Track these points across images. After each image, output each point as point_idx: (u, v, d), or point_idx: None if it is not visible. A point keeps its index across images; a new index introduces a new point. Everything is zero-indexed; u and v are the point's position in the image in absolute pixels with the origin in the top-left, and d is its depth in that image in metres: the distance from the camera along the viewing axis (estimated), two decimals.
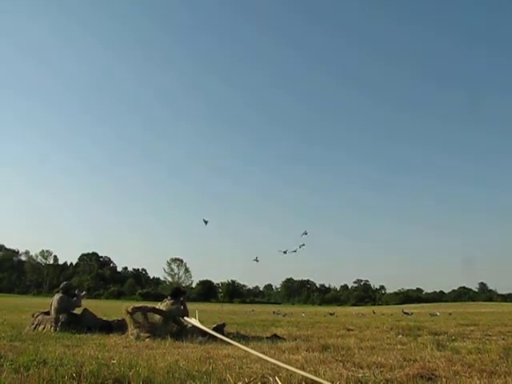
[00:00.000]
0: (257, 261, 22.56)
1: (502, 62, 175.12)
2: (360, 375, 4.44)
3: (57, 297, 9.26)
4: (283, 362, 4.53)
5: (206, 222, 18.80)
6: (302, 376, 4.13)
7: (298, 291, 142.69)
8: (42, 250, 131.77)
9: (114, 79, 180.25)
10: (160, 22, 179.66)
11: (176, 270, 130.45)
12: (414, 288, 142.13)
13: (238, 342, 7.85)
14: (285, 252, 16.53)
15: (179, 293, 9.24)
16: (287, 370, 4.27)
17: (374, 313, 33.17)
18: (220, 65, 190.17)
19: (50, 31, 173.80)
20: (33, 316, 9.49)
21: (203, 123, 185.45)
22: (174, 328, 8.26)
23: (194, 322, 7.92)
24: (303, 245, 17.07)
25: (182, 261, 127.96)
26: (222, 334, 8.57)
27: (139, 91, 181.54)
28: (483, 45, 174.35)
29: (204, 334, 8.31)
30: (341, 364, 5.25)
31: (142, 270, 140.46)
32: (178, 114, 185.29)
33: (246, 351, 5.49)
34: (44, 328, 8.73)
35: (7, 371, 4.06)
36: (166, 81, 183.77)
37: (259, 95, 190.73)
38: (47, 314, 9.22)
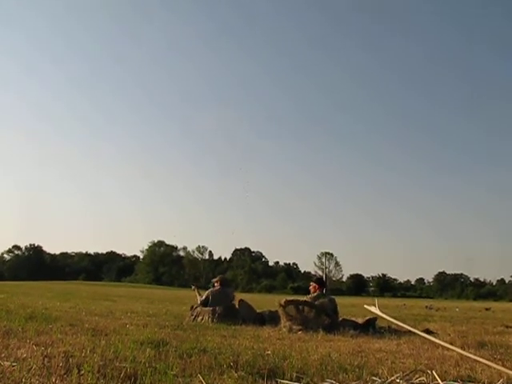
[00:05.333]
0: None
1: None
2: None
3: (214, 290, 9.80)
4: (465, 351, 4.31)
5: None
6: (458, 373, 3.92)
7: (450, 285, 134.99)
8: (198, 246, 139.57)
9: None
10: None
11: (326, 264, 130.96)
12: None
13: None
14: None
15: (323, 283, 9.29)
16: (441, 365, 4.07)
17: None
18: None
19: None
20: (191, 308, 10.09)
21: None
22: (326, 321, 8.30)
23: (374, 309, 7.86)
24: None
25: (332, 254, 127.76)
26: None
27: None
28: None
29: (356, 327, 8.25)
30: (500, 363, 4.85)
31: (293, 264, 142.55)
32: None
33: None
34: (202, 319, 9.25)
35: (173, 356, 4.38)
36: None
37: None
38: (205, 306, 9.77)
